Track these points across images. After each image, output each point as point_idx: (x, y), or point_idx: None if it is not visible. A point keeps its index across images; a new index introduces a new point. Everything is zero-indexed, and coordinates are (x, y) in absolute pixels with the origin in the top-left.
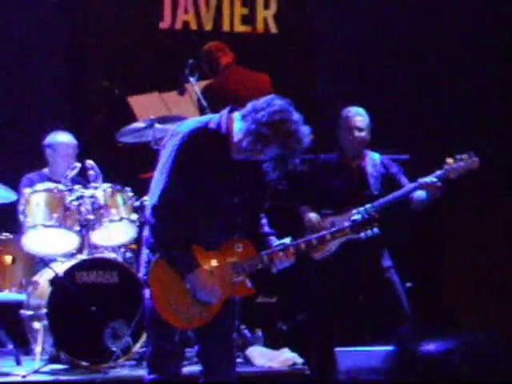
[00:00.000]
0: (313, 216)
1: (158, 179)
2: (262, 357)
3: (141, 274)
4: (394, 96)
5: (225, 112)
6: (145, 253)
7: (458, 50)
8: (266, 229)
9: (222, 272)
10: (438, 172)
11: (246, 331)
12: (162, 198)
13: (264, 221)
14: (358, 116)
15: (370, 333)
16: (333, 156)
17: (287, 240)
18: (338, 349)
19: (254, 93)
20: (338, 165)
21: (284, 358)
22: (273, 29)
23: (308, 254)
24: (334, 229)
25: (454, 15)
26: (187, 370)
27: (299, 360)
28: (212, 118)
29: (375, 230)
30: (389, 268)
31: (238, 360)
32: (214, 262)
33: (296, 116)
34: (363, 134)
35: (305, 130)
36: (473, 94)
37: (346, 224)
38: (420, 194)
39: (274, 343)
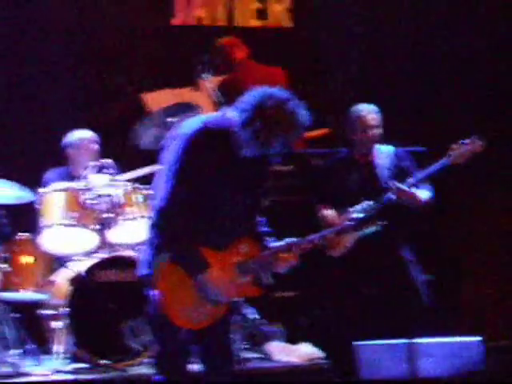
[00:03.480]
0: (328, 213)
1: (164, 182)
2: (282, 352)
3: (141, 274)
4: (407, 87)
5: (223, 111)
6: (147, 253)
7: (469, 37)
8: (264, 228)
9: (230, 272)
10: (445, 159)
11: (264, 326)
12: (170, 201)
13: (261, 220)
14: (371, 114)
15: (389, 327)
16: (344, 152)
17: (289, 240)
18: (357, 343)
19: (270, 87)
20: (350, 161)
21: (304, 352)
22: (286, 23)
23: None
24: (336, 228)
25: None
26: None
27: (319, 354)
28: (213, 117)
29: (377, 226)
30: (408, 261)
31: (257, 355)
32: (221, 263)
33: (292, 101)
34: (377, 131)
35: (302, 112)
36: (487, 83)
37: (348, 222)
38: (427, 185)
39: (293, 338)
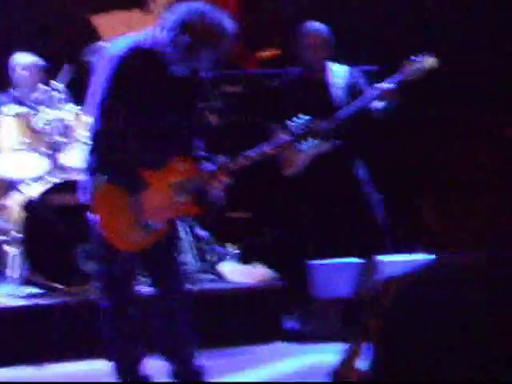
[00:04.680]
0: (281, 133)
1: (99, 103)
2: (235, 272)
3: (81, 199)
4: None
5: (155, 30)
6: (86, 179)
7: None
8: (202, 152)
9: (167, 192)
10: (396, 75)
11: (217, 247)
12: (106, 123)
13: (199, 143)
14: (317, 32)
15: (344, 245)
16: (296, 71)
17: (219, 158)
18: (311, 262)
19: (218, 5)
20: (301, 80)
21: (257, 273)
22: None
23: (278, 170)
24: (273, 143)
25: None
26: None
27: (273, 275)
28: (143, 37)
29: (315, 141)
30: (362, 179)
31: (211, 276)
32: (158, 183)
33: (216, 13)
34: (324, 50)
35: (228, 22)
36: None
37: (286, 138)
38: (379, 102)
39: (246, 259)
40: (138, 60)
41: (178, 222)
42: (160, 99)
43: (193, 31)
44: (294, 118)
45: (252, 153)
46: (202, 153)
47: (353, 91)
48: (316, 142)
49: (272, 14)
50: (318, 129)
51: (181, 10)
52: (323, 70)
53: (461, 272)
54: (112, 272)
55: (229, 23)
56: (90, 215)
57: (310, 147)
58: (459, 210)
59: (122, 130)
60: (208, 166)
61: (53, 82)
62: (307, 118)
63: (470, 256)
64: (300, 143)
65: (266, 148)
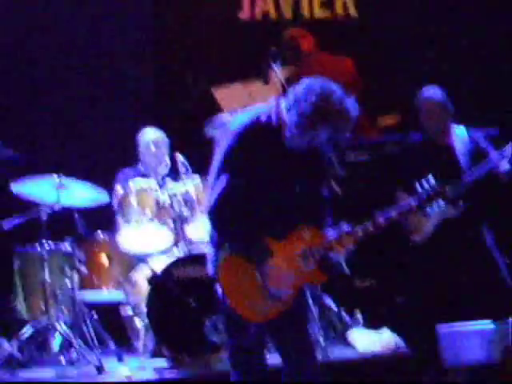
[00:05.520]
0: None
1: (213, 180)
2: (364, 340)
3: (209, 272)
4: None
5: (273, 103)
6: (211, 252)
7: None
8: (328, 219)
9: (293, 261)
10: None
11: (345, 315)
12: (220, 200)
13: (327, 212)
14: (430, 97)
15: (471, 311)
16: (418, 136)
17: (345, 226)
18: (440, 328)
19: (338, 77)
20: (424, 144)
21: (385, 340)
22: (352, 12)
23: (407, 237)
24: (399, 207)
25: None
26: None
27: (400, 341)
28: (262, 111)
29: (441, 202)
30: (489, 244)
31: (339, 345)
32: (283, 251)
33: (338, 93)
34: (442, 113)
35: (350, 103)
36: None
37: (412, 201)
38: (504, 164)
39: (373, 326)
40: (253, 135)
41: (305, 291)
42: (276, 171)
43: (315, 105)
44: (422, 181)
45: (379, 218)
46: (329, 221)
47: (475, 155)
48: (443, 204)
49: (392, 79)
50: (445, 191)
51: (306, 82)
52: (446, 134)
53: None
54: (241, 343)
55: (352, 105)
56: (217, 287)
57: (438, 211)
58: None
59: (238, 205)
60: (334, 233)
61: (178, 155)
62: (434, 180)
63: None
64: (427, 206)
65: (394, 212)
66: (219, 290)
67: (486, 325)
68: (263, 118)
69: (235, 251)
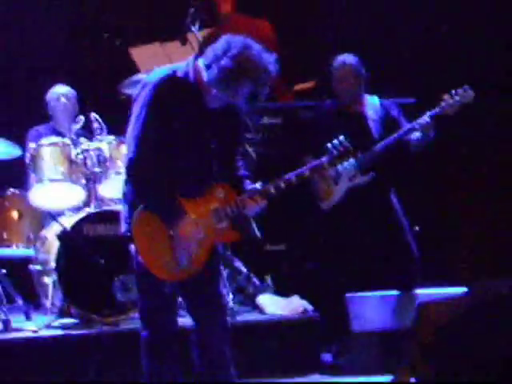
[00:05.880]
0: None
1: (132, 131)
2: (273, 305)
3: (122, 230)
4: (397, 36)
5: (191, 60)
6: (125, 209)
7: None
8: (242, 171)
9: (206, 219)
10: (436, 109)
11: (255, 279)
12: (139, 150)
13: (240, 163)
14: (342, 62)
15: (380, 278)
16: (331, 103)
17: (257, 185)
18: (348, 294)
19: (256, 40)
20: (337, 111)
21: (294, 305)
22: None
23: (315, 203)
24: (310, 164)
25: None
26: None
27: (309, 307)
28: (179, 67)
29: (351, 160)
30: (396, 212)
31: (248, 308)
32: (196, 210)
33: (258, 47)
34: (354, 81)
35: (269, 58)
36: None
37: (323, 159)
38: (417, 135)
39: (283, 291)
40: (171, 88)
41: (219, 251)
42: (194, 127)
43: (236, 59)
44: (333, 141)
45: (291, 176)
46: (242, 172)
47: (386, 123)
48: (354, 162)
49: (309, 45)
50: (356, 152)
51: (225, 39)
52: (359, 102)
53: (495, 298)
54: (152, 302)
55: (271, 59)
56: (130, 245)
57: (348, 168)
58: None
59: (156, 157)
60: (246, 192)
61: (92, 114)
62: (344, 139)
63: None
64: (338, 164)
65: (305, 170)
66: (132, 249)
67: (392, 292)
68: (180, 74)
69: (149, 209)
